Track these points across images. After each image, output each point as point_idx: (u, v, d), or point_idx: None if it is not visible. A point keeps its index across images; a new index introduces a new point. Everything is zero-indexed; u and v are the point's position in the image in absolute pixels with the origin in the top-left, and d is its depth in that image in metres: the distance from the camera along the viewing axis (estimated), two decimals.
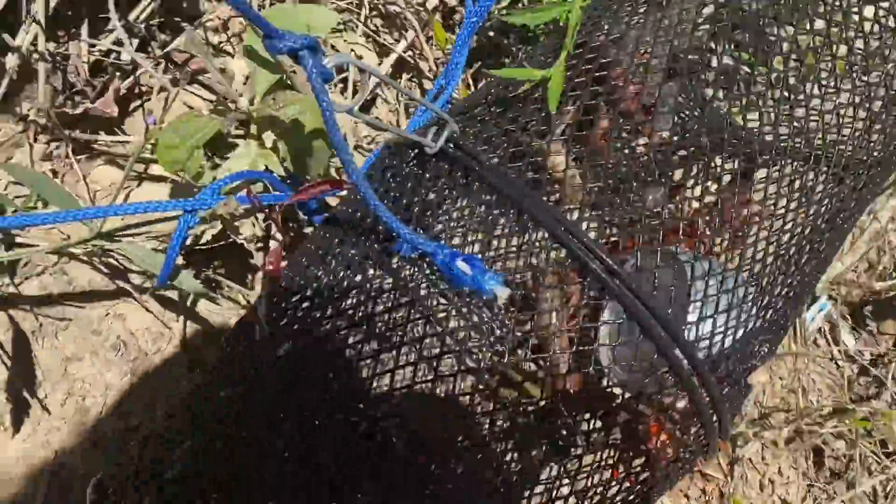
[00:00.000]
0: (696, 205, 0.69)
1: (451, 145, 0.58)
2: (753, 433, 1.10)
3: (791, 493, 1.10)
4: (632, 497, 0.66)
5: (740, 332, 0.60)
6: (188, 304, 0.85)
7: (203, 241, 0.83)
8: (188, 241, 0.82)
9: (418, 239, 0.50)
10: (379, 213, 0.51)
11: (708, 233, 0.67)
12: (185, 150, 0.62)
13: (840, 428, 1.15)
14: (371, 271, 0.58)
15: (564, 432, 0.64)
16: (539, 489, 0.62)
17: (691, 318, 0.56)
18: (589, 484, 0.63)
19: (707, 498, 1.04)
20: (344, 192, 0.64)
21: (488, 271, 0.48)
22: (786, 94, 0.68)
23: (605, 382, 0.63)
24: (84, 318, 0.84)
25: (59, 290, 0.83)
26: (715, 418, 0.59)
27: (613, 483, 0.64)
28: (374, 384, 0.57)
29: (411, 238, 0.51)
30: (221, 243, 0.79)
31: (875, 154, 0.72)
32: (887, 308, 1.25)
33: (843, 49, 0.67)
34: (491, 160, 0.57)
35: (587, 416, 0.64)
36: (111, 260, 0.84)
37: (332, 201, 0.82)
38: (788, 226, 0.64)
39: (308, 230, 0.82)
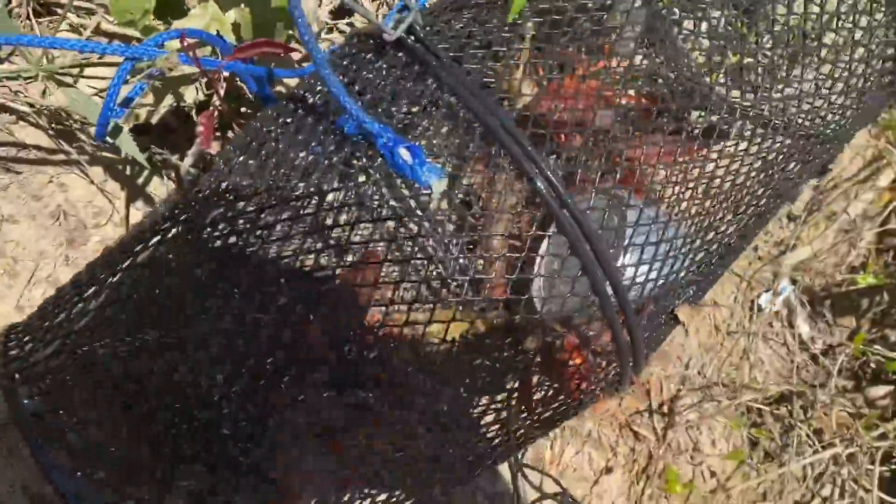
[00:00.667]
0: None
1: (412, 37, 0.56)
2: (694, 402, 1.10)
3: (721, 466, 1.10)
4: (539, 423, 0.65)
5: (669, 274, 0.60)
6: (137, 182, 0.83)
7: (154, 119, 0.81)
8: (141, 119, 0.80)
9: (364, 116, 0.49)
10: (328, 83, 0.49)
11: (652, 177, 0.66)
12: (137, 1, 0.60)
13: (780, 411, 1.15)
14: (314, 154, 0.56)
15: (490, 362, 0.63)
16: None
17: (624, 256, 0.56)
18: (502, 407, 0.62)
19: (635, 457, 1.04)
20: (294, 63, 0.62)
21: (428, 162, 0.47)
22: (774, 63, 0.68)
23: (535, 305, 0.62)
24: (26, 181, 0.82)
25: (3, 150, 0.80)
26: (631, 356, 0.59)
27: (524, 406, 0.64)
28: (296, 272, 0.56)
29: (358, 114, 0.49)
30: (170, 119, 0.77)
31: (831, 128, 0.72)
32: (846, 301, 1.24)
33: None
34: (450, 59, 0.55)
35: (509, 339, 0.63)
36: (60, 126, 0.81)
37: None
38: (731, 182, 0.64)
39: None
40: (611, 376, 0.63)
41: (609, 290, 0.52)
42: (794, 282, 1.22)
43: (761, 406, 1.15)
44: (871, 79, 0.72)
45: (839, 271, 1.25)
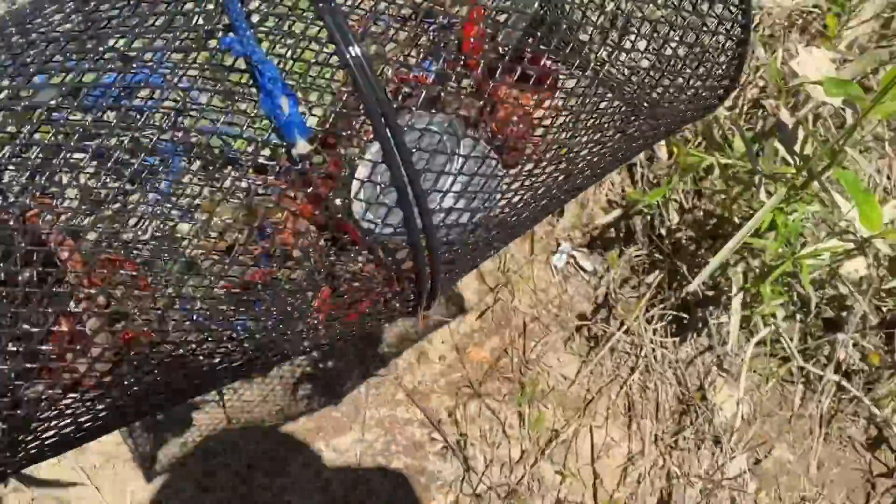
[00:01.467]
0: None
1: None
2: (538, 341, 1.69)
3: (569, 370, 1.68)
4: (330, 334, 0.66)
5: (478, 219, 0.61)
6: None
7: None
8: None
9: (259, 50, 0.46)
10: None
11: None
12: None
13: (597, 323, 1.75)
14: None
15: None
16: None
17: (439, 188, 0.55)
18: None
19: (510, 389, 1.62)
20: None
21: (303, 120, 0.47)
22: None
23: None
24: None
25: None
26: (429, 290, 0.60)
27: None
28: None
29: (251, 45, 0.46)
30: None
31: (657, 105, 0.74)
32: (607, 237, 1.86)
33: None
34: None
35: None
36: None
37: None
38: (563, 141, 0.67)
39: None
40: (403, 305, 0.64)
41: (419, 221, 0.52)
42: (569, 240, 1.84)
43: (585, 323, 1.75)
44: (704, 80, 0.75)
45: (593, 221, 1.88)
